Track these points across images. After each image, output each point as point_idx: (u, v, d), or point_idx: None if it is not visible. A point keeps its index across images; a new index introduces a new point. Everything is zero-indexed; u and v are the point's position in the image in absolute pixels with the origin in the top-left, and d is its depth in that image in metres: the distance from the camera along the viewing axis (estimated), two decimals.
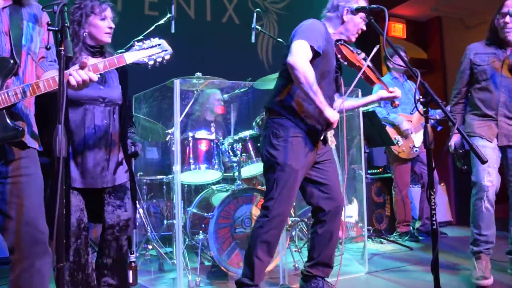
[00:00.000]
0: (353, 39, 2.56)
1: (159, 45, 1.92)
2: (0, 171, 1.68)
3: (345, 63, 2.50)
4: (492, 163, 2.76)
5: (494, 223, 2.81)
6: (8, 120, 1.62)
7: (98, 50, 2.29)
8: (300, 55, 2.22)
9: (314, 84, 2.23)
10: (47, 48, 1.69)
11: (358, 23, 2.51)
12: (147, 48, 1.89)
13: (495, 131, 2.84)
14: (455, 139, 3.01)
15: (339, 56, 2.50)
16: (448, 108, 3.22)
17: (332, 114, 2.31)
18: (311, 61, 2.28)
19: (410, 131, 4.40)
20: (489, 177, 2.76)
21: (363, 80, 2.51)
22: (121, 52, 1.95)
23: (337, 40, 2.53)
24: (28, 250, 1.68)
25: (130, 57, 1.86)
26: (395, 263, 3.54)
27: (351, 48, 2.55)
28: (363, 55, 2.53)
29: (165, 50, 1.92)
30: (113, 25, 2.28)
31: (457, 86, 3.06)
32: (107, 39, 2.26)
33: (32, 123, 1.79)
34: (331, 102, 2.50)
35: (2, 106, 1.62)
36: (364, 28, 2.55)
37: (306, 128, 2.41)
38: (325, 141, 2.60)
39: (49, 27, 1.53)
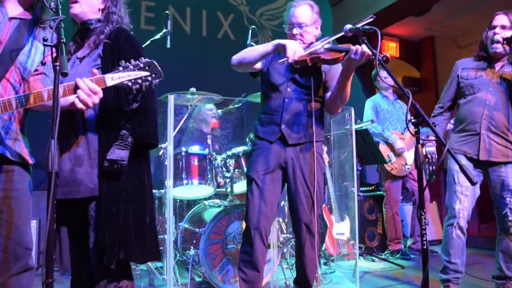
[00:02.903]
0: None
1: (148, 66, 1.65)
2: None
3: (297, 66, 2.40)
4: (467, 189, 2.75)
5: (464, 252, 2.79)
6: None
7: (81, 30, 1.97)
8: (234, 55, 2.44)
9: (247, 51, 2.42)
10: (43, 63, 1.68)
11: (288, 32, 2.54)
12: (133, 70, 1.63)
13: (478, 146, 2.80)
14: (429, 149, 2.96)
15: (296, 66, 2.43)
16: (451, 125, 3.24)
17: (282, 41, 2.26)
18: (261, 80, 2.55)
19: (403, 150, 4.44)
20: (460, 204, 2.74)
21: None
22: None
23: None
24: (9, 265, 1.67)
25: (111, 79, 1.62)
26: (386, 281, 3.54)
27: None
28: (317, 43, 2.39)
29: (155, 74, 1.65)
30: None
31: (441, 100, 3.04)
32: (71, 9, 1.90)
33: (20, 138, 1.76)
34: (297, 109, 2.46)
35: None
36: (295, 32, 2.48)
37: (264, 135, 2.46)
38: (286, 143, 2.44)
39: (45, 43, 1.52)
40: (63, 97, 1.61)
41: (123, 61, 1.65)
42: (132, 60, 1.66)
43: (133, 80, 1.63)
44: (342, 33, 2.29)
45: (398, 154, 4.45)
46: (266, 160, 2.43)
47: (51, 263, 1.44)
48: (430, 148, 2.96)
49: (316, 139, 2.45)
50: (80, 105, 1.60)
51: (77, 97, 1.59)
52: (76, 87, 1.60)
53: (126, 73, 1.62)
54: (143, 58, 1.68)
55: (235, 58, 2.43)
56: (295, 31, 2.49)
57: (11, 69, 1.71)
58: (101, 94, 1.63)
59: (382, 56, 2.22)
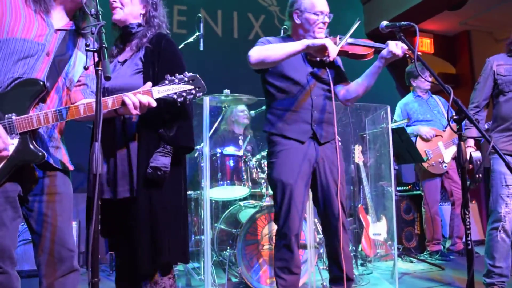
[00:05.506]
0: (319, 35, 2.40)
1: (192, 80, 1.75)
2: (32, 189, 1.71)
3: (317, 58, 2.35)
4: None
5: (509, 255, 2.71)
6: (30, 144, 1.63)
7: (123, 34, 2.04)
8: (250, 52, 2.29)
9: (270, 49, 2.25)
10: (85, 69, 1.72)
11: (313, 19, 2.38)
12: (178, 83, 1.74)
13: None
14: (475, 155, 2.83)
15: (311, 57, 2.41)
16: (486, 125, 3.13)
17: (317, 42, 2.19)
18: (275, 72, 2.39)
19: (433, 133, 4.31)
20: (506, 208, 2.68)
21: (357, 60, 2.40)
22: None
23: None
24: (55, 267, 1.71)
25: (157, 92, 1.72)
26: (426, 283, 3.45)
27: None
28: (338, 37, 2.39)
29: (198, 88, 1.75)
30: None
31: (475, 100, 2.93)
32: (114, 15, 1.99)
33: (60, 146, 1.81)
34: (317, 101, 2.39)
35: (26, 129, 1.62)
36: (327, 20, 2.40)
37: (293, 135, 2.35)
38: (318, 142, 2.39)
39: (87, 48, 1.55)
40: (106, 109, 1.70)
41: (169, 75, 1.74)
42: (177, 74, 1.74)
43: (178, 93, 1.73)
44: (355, 26, 2.31)
45: (428, 140, 4.30)
46: (298, 162, 2.33)
47: (97, 263, 1.47)
48: (477, 154, 2.85)
49: (335, 136, 2.45)
50: (134, 112, 1.71)
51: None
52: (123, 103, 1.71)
53: (171, 86, 1.73)
54: (187, 72, 1.76)
55: (255, 56, 2.27)
56: (327, 19, 2.42)
57: (59, 84, 1.76)
58: (152, 104, 1.71)
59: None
